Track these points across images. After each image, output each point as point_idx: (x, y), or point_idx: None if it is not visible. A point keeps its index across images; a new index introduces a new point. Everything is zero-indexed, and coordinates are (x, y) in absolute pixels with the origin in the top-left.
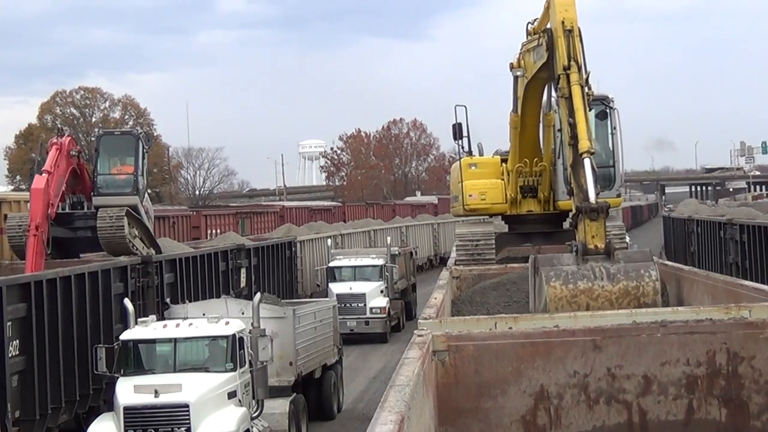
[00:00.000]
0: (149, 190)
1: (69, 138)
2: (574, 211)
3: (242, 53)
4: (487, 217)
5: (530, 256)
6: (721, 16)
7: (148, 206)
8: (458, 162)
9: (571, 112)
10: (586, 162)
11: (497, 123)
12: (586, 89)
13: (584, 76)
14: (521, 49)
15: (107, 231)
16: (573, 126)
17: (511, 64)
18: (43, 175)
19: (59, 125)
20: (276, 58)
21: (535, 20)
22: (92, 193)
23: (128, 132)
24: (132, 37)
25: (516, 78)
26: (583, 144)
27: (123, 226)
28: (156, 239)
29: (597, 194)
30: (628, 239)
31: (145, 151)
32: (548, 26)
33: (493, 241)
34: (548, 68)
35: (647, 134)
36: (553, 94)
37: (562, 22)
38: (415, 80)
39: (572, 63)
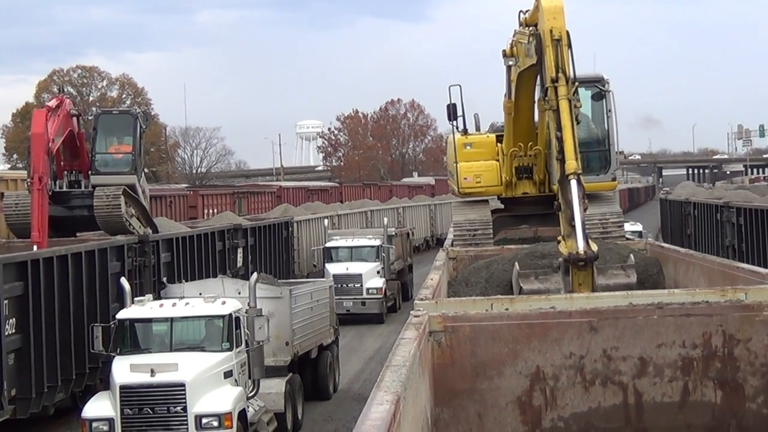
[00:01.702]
0: (146, 170)
1: (69, 99)
2: (564, 256)
3: (241, 33)
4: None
5: (515, 282)
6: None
7: (145, 186)
8: (453, 139)
9: (559, 127)
10: (573, 183)
11: (497, 99)
12: (574, 102)
13: (572, 88)
14: (513, 37)
15: (104, 210)
16: (561, 141)
17: (504, 51)
18: (43, 110)
19: (61, 86)
20: (275, 38)
21: (527, 11)
22: (90, 172)
23: (126, 111)
24: (131, 17)
25: (509, 66)
26: (570, 165)
27: (120, 205)
28: (153, 218)
29: (586, 238)
30: (640, 227)
31: (142, 130)
32: (538, 28)
33: (491, 230)
34: (539, 67)
35: (642, 114)
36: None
37: (551, 31)
38: (414, 61)
39: (560, 75)
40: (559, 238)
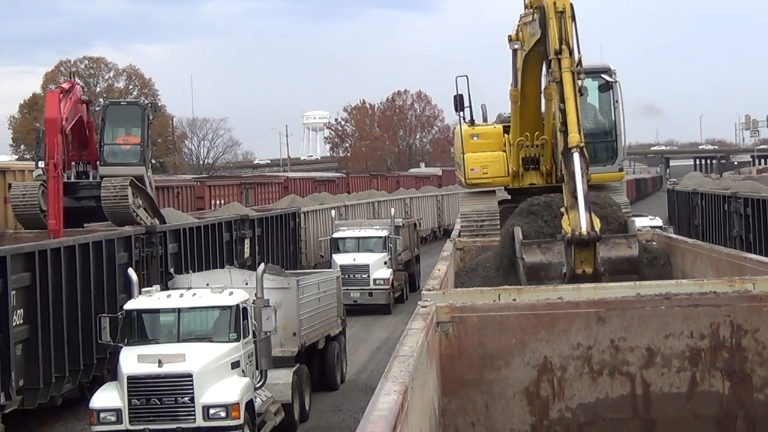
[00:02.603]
0: (153, 161)
1: (79, 86)
2: (567, 235)
3: (248, 24)
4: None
5: (518, 250)
6: None
7: (151, 177)
8: (460, 130)
9: (562, 99)
10: (575, 156)
11: (504, 90)
12: (578, 71)
13: (575, 60)
14: (519, 22)
15: (111, 201)
16: (564, 113)
17: (510, 36)
18: (56, 91)
19: (71, 73)
20: (282, 28)
21: None
22: (99, 163)
23: (134, 102)
24: (138, 7)
25: (515, 51)
26: (573, 138)
27: (127, 195)
28: (160, 209)
29: (589, 211)
30: (660, 222)
31: (150, 121)
32: (542, 2)
33: (498, 221)
34: (543, 44)
35: (644, 103)
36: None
37: (554, 3)
38: (421, 52)
39: (563, 47)
40: (562, 209)
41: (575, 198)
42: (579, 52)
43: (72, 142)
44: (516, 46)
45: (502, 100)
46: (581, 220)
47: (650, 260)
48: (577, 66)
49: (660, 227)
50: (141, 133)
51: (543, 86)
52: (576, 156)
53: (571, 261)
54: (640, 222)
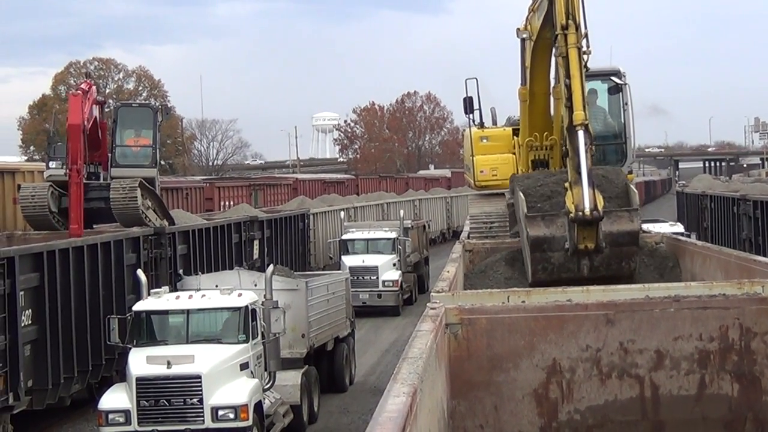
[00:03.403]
0: (162, 162)
1: (94, 86)
2: (571, 215)
3: (259, 25)
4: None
5: (522, 224)
6: None
7: (158, 178)
8: (469, 133)
9: (568, 75)
10: (580, 134)
11: (513, 93)
12: (584, 48)
13: (582, 35)
14: (527, 13)
15: (120, 202)
16: (569, 88)
17: (518, 29)
18: (78, 95)
19: (87, 72)
20: (292, 30)
21: None
22: (110, 165)
23: (146, 104)
24: (149, 9)
25: (523, 44)
26: (578, 115)
27: (136, 197)
28: (169, 211)
29: (593, 187)
30: (681, 228)
31: (160, 123)
32: None
33: (507, 222)
34: (550, 22)
35: (649, 104)
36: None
37: None
38: (431, 54)
39: (570, 23)
40: (566, 185)
41: (579, 174)
42: (585, 27)
43: (85, 144)
44: (524, 36)
45: (512, 103)
46: (585, 198)
47: (659, 264)
48: (583, 38)
49: (682, 234)
50: (152, 135)
51: (552, 85)
52: (581, 133)
53: (574, 237)
54: (660, 229)
